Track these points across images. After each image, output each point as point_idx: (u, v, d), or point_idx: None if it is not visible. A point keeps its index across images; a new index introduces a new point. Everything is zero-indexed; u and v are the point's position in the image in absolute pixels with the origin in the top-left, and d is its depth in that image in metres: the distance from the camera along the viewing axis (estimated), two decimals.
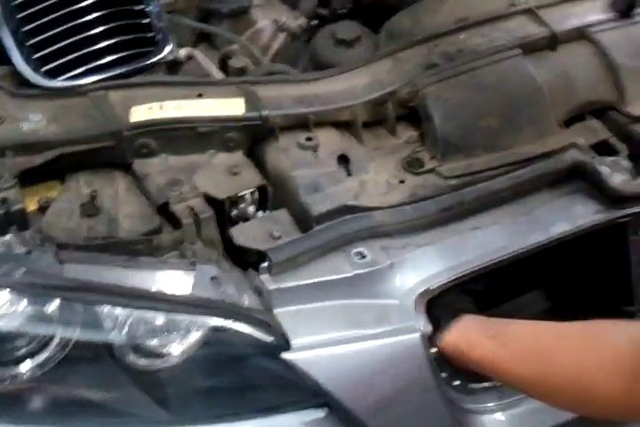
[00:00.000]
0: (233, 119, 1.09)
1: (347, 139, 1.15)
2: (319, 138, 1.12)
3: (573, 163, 1.14)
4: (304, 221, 1.05)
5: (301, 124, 1.12)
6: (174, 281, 0.96)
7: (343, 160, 1.11)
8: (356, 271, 0.98)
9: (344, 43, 1.38)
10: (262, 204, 1.11)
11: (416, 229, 1.03)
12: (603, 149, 1.23)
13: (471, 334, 0.98)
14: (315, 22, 1.55)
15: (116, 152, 1.08)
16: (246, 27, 1.48)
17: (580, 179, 1.14)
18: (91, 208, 1.03)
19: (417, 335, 0.96)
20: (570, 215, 1.11)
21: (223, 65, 1.35)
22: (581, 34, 1.27)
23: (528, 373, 0.89)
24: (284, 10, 1.57)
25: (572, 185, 1.14)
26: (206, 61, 1.32)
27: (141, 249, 0.98)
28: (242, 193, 1.08)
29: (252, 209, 1.10)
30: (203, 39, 1.52)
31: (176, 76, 1.27)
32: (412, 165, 1.14)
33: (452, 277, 0.99)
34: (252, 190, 1.09)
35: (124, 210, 1.04)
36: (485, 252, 1.02)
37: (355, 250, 1.00)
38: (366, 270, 0.98)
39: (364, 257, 1.00)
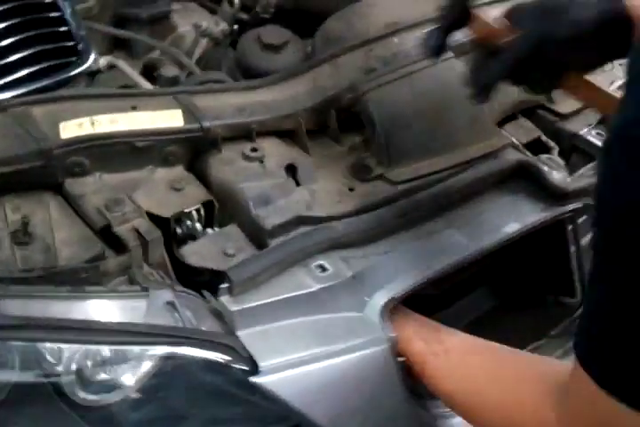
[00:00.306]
0: (172, 132, 1.02)
1: (292, 148, 1.11)
2: (264, 148, 1.07)
3: (517, 162, 1.15)
4: (257, 235, 1.00)
5: (244, 134, 1.08)
6: (125, 309, 0.89)
7: (291, 170, 1.08)
8: (319, 285, 0.94)
9: (272, 47, 1.34)
10: (209, 220, 1.05)
11: (374, 238, 1.01)
12: (535, 147, 1.26)
13: (406, 331, 0.95)
14: (236, 27, 1.50)
15: (45, 172, 0.98)
16: (167, 33, 1.41)
17: (522, 178, 1.16)
18: (22, 236, 0.94)
19: (385, 346, 0.93)
20: (518, 214, 1.12)
21: (147, 74, 1.28)
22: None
23: (454, 390, 0.87)
24: (204, 15, 1.52)
25: (514, 184, 1.16)
26: (130, 71, 1.24)
27: (86, 277, 0.90)
28: (187, 209, 1.02)
29: (199, 226, 1.04)
30: (117, 47, 1.43)
31: (107, 88, 1.19)
32: (360, 172, 1.12)
33: (416, 284, 0.97)
34: (197, 206, 1.03)
35: (60, 236, 0.95)
36: (445, 256, 1.00)
37: (315, 263, 0.96)
38: (328, 284, 0.95)
39: (325, 270, 0.96)
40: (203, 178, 1.07)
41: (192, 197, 1.03)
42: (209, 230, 1.02)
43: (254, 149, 1.06)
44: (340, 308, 0.95)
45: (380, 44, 1.21)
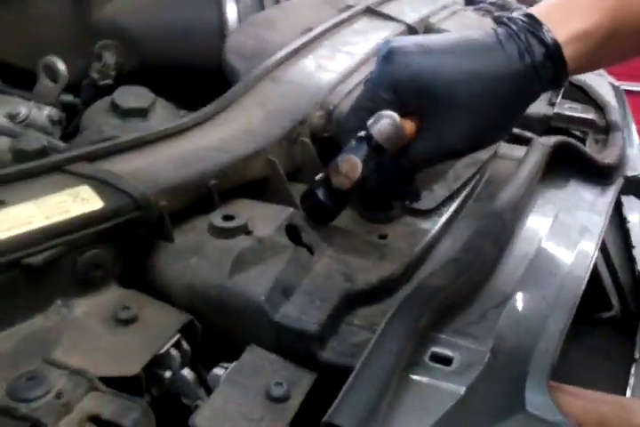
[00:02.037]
0: (87, 223, 0.56)
1: (271, 205, 0.69)
2: (239, 212, 0.65)
3: (559, 143, 0.83)
4: (296, 348, 0.57)
5: (197, 198, 0.64)
6: None
7: (292, 232, 0.66)
8: (459, 387, 0.52)
9: (136, 113, 0.92)
10: (196, 354, 0.59)
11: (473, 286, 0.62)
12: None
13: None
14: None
15: None
16: None
17: (565, 161, 0.85)
18: None
19: None
20: (592, 205, 0.80)
21: None
22: (428, 24, 1.06)
23: None
24: (15, 101, 1.06)
25: (560, 170, 0.85)
26: None
27: None
28: (161, 351, 0.56)
29: (187, 373, 0.57)
30: None
31: None
32: (377, 211, 0.73)
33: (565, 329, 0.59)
34: (175, 338, 0.57)
35: None
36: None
37: (428, 354, 0.55)
38: (470, 379, 0.54)
39: (449, 361, 0.55)
40: (158, 290, 0.61)
41: (157, 328, 0.57)
42: (217, 371, 0.56)
43: (228, 217, 0.63)
44: (497, 413, 0.53)
45: (319, 48, 0.86)
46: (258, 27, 0.92)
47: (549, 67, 0.62)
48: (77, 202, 0.56)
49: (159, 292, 0.61)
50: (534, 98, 0.66)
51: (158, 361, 0.56)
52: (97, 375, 0.50)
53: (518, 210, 0.71)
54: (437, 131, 0.64)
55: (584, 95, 1.05)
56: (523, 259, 0.68)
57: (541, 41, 0.61)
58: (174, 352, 0.57)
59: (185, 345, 0.58)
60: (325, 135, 0.76)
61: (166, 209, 0.61)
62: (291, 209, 0.67)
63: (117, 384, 0.52)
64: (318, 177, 0.65)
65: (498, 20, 0.65)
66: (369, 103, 0.64)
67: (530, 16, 0.63)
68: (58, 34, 1.03)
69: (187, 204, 0.64)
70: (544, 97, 1.08)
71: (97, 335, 0.55)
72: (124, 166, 0.62)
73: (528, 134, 0.98)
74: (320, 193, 0.65)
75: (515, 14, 0.64)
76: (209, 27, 1.05)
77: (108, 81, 1.06)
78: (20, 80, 1.03)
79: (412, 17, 1.06)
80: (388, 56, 0.64)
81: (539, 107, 1.04)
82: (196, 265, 0.61)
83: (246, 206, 0.67)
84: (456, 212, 0.77)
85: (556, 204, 0.78)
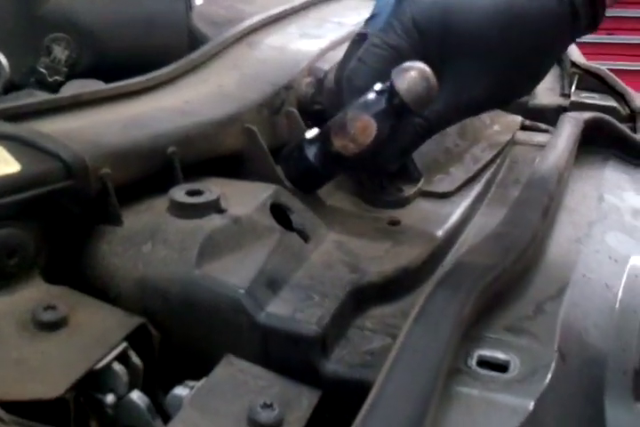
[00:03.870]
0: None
1: (251, 183, 0.55)
2: (210, 188, 0.50)
3: (593, 119, 0.70)
4: (292, 358, 0.41)
5: (152, 171, 0.50)
6: None
7: (278, 215, 0.51)
8: (526, 401, 0.37)
9: None
10: (150, 371, 0.43)
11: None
12: None
13: None
14: None
15: None
16: None
17: (600, 139, 0.72)
18: None
19: None
20: (637, 186, 0.67)
21: None
22: None
23: None
24: None
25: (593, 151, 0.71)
26: None
27: None
28: (99, 365, 0.39)
29: (137, 397, 0.41)
30: None
31: None
32: (385, 194, 0.59)
33: None
34: (120, 349, 0.41)
35: None
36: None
37: (473, 360, 0.39)
38: (537, 391, 0.38)
39: (505, 367, 0.39)
40: (99, 288, 0.46)
41: (94, 334, 0.41)
42: (180, 391, 0.40)
43: (195, 192, 0.48)
44: None
45: (304, 19, 0.74)
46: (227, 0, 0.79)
47: (589, 9, 0.52)
48: None
49: (101, 290, 0.45)
50: (568, 44, 0.56)
51: (95, 380, 0.39)
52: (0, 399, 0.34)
53: (562, 181, 0.56)
54: (461, 81, 0.51)
55: (600, 83, 0.93)
56: (574, 241, 0.53)
57: None
58: (118, 368, 0.40)
59: (134, 358, 0.41)
60: (317, 108, 0.63)
61: (110, 180, 0.46)
62: (276, 186, 0.53)
63: (33, 412, 0.36)
64: (311, 134, 0.51)
65: None
66: (381, 50, 0.51)
67: None
68: (2, 27, 0.90)
69: (139, 175, 0.48)
70: (556, 88, 0.97)
71: (8, 344, 0.39)
72: (57, 126, 0.47)
73: (543, 126, 0.86)
74: (310, 153, 0.50)
75: None
76: (175, 18, 0.93)
77: (58, 77, 0.93)
78: None
79: None
80: None
81: (552, 98, 0.93)
82: (152, 253, 0.45)
83: (219, 184, 0.52)
84: (479, 197, 0.62)
85: (596, 184, 0.65)
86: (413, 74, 0.48)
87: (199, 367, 0.42)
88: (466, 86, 0.52)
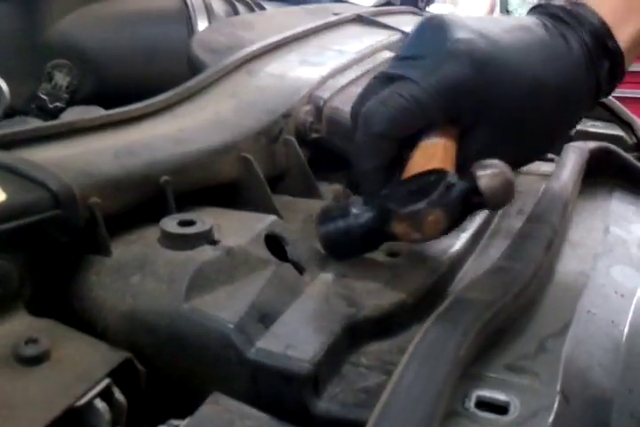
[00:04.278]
0: None
1: (243, 213, 0.53)
2: (202, 218, 0.48)
3: (598, 149, 0.69)
4: (275, 401, 0.39)
5: (144, 200, 0.48)
6: None
7: (274, 243, 0.49)
8: None
9: None
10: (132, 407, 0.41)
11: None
12: None
13: None
14: None
15: None
16: None
17: (604, 169, 0.71)
18: None
19: None
20: None
21: None
22: None
23: None
24: None
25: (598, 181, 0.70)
26: None
27: None
28: (80, 402, 0.38)
29: None
30: None
31: None
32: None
33: None
34: (103, 385, 0.39)
35: None
36: None
37: (472, 402, 0.37)
38: None
39: (504, 409, 0.37)
40: (85, 321, 0.44)
41: (77, 370, 0.39)
42: None
43: (187, 223, 0.47)
44: None
45: (304, 46, 0.73)
46: (232, 26, 0.79)
47: (610, 80, 0.53)
48: None
49: (88, 322, 0.44)
50: (590, 110, 0.56)
51: (76, 417, 0.38)
52: None
53: (567, 214, 0.55)
54: (487, 147, 0.50)
55: (607, 112, 0.92)
56: (579, 275, 0.52)
57: (608, 53, 0.52)
58: (100, 405, 0.39)
59: (118, 395, 0.40)
60: (315, 136, 0.62)
61: (99, 209, 0.44)
62: (272, 217, 0.51)
63: None
64: (358, 204, 0.49)
65: (561, 18, 0.53)
66: (407, 102, 0.48)
67: (599, 20, 0.52)
68: (4, 52, 0.91)
69: (131, 204, 0.47)
70: None
71: None
72: (48, 154, 0.46)
73: (547, 155, 0.85)
74: (357, 226, 0.49)
75: (581, 12, 0.52)
76: (178, 46, 0.93)
77: (59, 104, 0.93)
78: None
79: (408, 28, 0.95)
80: (453, 49, 0.48)
81: None
82: (141, 285, 0.44)
83: (213, 214, 0.51)
84: (481, 228, 0.61)
85: (602, 216, 0.63)
86: (499, 176, 0.47)
87: (186, 404, 0.40)
88: (493, 152, 0.50)
